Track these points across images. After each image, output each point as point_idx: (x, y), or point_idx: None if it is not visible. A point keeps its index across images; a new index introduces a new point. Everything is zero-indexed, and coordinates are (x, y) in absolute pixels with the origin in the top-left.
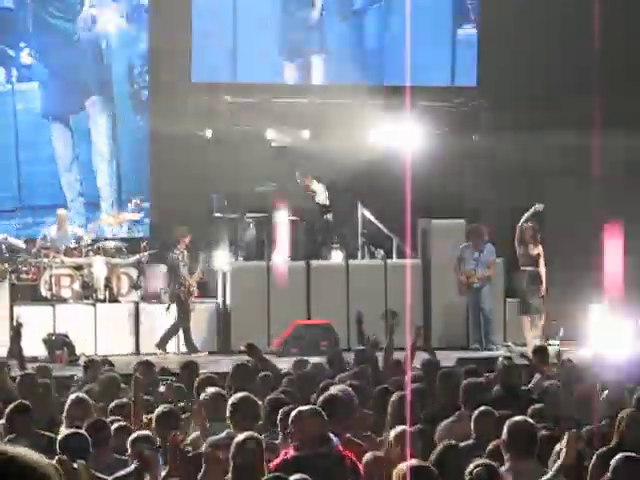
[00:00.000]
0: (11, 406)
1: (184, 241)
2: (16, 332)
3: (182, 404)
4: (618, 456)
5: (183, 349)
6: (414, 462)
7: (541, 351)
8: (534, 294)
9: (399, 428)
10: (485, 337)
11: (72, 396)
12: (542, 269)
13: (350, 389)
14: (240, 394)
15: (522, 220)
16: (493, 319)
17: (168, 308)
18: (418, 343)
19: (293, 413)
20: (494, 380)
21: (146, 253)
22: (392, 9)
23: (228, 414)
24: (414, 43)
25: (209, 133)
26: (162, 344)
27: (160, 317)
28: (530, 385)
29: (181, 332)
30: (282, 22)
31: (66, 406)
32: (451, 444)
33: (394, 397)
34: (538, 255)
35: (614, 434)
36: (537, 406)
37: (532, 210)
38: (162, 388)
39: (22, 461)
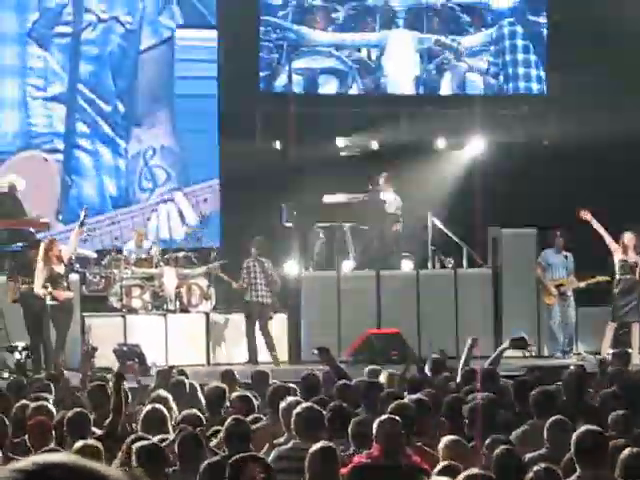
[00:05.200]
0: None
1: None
2: (87, 355)
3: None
4: None
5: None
6: (475, 471)
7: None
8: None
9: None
10: (569, 345)
11: (148, 407)
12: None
13: (424, 397)
14: (305, 404)
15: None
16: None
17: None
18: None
19: (376, 422)
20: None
21: (216, 263)
22: None
23: (293, 425)
24: None
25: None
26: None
27: (230, 328)
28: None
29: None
30: None
31: (141, 416)
32: (509, 449)
33: (470, 405)
34: (636, 264)
35: None
36: (619, 413)
37: None
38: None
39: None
